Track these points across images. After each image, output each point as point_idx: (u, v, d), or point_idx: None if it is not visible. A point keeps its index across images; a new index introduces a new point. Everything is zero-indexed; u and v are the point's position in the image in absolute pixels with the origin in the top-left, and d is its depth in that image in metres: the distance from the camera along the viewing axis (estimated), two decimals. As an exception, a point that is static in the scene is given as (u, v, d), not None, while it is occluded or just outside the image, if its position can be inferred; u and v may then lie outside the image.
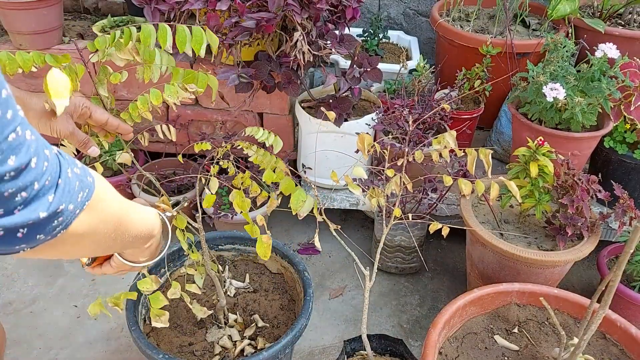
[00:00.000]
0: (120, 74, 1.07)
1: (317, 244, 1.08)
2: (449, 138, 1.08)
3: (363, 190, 1.16)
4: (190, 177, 1.99)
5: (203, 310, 1.26)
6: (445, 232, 1.14)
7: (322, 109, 1.27)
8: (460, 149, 1.09)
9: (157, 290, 1.42)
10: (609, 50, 1.60)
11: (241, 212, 1.00)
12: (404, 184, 1.12)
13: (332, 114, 1.18)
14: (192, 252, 1.21)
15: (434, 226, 1.13)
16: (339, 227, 1.17)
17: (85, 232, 0.63)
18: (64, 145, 1.07)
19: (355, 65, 1.70)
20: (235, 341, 1.39)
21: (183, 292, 1.19)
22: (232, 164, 1.11)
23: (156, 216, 0.87)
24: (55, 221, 0.56)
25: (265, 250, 0.97)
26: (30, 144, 0.51)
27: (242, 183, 1.10)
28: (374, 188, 1.16)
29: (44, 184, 0.53)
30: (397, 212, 1.14)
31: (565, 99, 1.56)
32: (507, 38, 1.96)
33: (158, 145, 2.13)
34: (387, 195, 1.15)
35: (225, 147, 1.07)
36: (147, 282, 1.07)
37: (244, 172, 1.99)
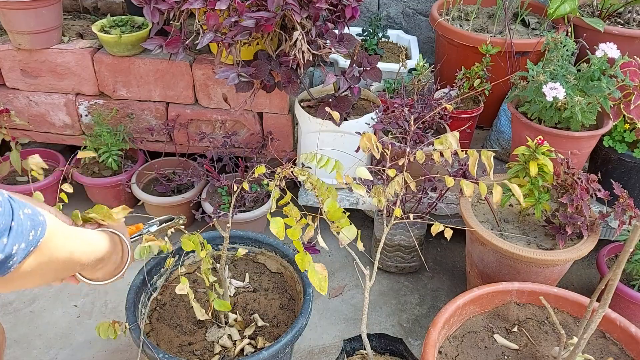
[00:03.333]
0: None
1: (322, 243, 1.08)
2: (452, 139, 1.07)
3: (368, 190, 1.16)
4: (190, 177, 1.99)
5: (202, 313, 1.27)
6: (448, 234, 1.13)
7: (327, 108, 1.27)
8: (461, 150, 1.09)
9: (157, 288, 1.43)
10: (609, 49, 1.60)
11: (333, 222, 0.99)
12: (406, 183, 1.12)
13: (336, 114, 1.18)
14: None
15: (436, 227, 1.13)
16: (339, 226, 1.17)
17: (35, 269, 0.68)
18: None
19: (354, 65, 1.70)
20: (235, 340, 1.39)
21: (190, 289, 1.19)
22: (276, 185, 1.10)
23: (106, 240, 0.90)
24: (10, 261, 0.61)
25: (321, 283, 0.96)
26: None
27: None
28: (379, 186, 1.15)
29: None
30: (397, 212, 1.14)
31: (565, 98, 1.56)
32: (506, 37, 1.96)
33: (157, 145, 2.13)
34: (389, 195, 1.15)
35: (284, 171, 1.07)
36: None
37: (244, 172, 2.00)
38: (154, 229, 1.09)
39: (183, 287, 1.18)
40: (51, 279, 0.76)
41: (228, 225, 1.21)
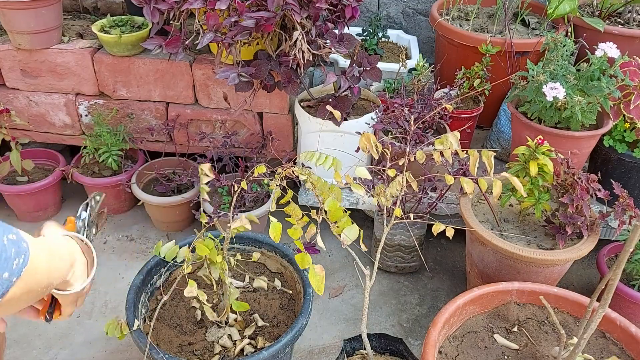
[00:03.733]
0: None
1: (321, 243, 1.08)
2: (452, 139, 1.07)
3: (368, 189, 1.16)
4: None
5: (213, 315, 1.27)
6: (450, 233, 1.13)
7: (328, 107, 1.27)
8: (462, 149, 1.09)
9: (159, 289, 1.43)
10: (608, 49, 1.59)
11: (335, 222, 0.99)
12: (407, 183, 1.12)
13: (337, 113, 1.18)
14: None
15: (437, 227, 1.13)
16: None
17: (22, 295, 0.65)
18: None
19: (354, 65, 1.70)
20: (235, 340, 1.39)
21: (199, 290, 1.19)
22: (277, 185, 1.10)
23: (70, 243, 0.87)
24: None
25: (319, 283, 0.96)
26: None
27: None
28: (380, 186, 1.15)
29: None
30: (397, 212, 1.14)
31: (565, 98, 1.56)
32: (506, 37, 1.96)
33: (157, 145, 2.13)
34: (390, 195, 1.15)
35: (285, 171, 1.07)
36: None
37: (244, 171, 2.00)
38: (84, 215, 1.03)
39: (192, 290, 1.18)
40: (36, 298, 0.73)
41: (229, 225, 1.21)
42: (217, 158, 1.97)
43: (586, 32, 1.90)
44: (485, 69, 1.95)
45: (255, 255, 1.42)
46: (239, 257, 1.38)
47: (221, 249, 1.27)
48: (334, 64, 2.20)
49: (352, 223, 1.01)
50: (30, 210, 2.11)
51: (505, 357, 1.27)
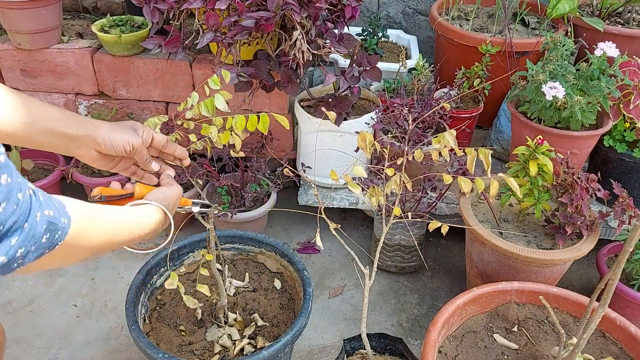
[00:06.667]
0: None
1: (319, 242, 1.08)
2: (449, 137, 1.07)
3: (363, 190, 1.16)
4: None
5: (194, 302, 1.27)
6: (444, 230, 1.14)
7: (322, 108, 1.27)
8: (460, 148, 1.09)
9: (159, 289, 1.43)
10: (608, 49, 1.59)
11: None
12: (403, 183, 1.12)
13: (332, 114, 1.18)
14: (208, 253, 1.24)
15: (434, 225, 1.13)
16: (339, 226, 1.17)
17: (58, 259, 0.68)
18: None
19: (354, 64, 1.70)
20: (235, 340, 1.40)
21: (179, 283, 1.21)
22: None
23: (153, 218, 0.91)
24: (15, 263, 0.60)
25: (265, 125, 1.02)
26: (1, 189, 0.54)
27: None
28: (373, 187, 1.16)
29: (11, 226, 0.57)
30: (396, 211, 1.14)
31: (565, 97, 1.56)
32: (506, 37, 1.96)
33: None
34: (386, 195, 1.15)
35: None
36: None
37: (243, 171, 2.00)
38: (196, 210, 1.13)
39: (172, 282, 1.19)
40: (90, 257, 0.77)
41: (211, 218, 1.22)
42: (217, 158, 1.97)
43: (586, 31, 1.90)
44: (485, 69, 1.95)
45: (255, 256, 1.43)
46: (225, 253, 1.38)
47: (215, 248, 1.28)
48: (333, 64, 2.20)
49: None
50: (30, 210, 2.11)
51: (505, 356, 1.27)
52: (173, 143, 1.10)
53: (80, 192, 2.15)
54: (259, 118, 1.08)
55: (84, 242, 0.71)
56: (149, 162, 1.05)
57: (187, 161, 1.12)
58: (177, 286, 1.20)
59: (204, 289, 1.26)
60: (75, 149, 0.95)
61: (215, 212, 1.19)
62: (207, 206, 1.16)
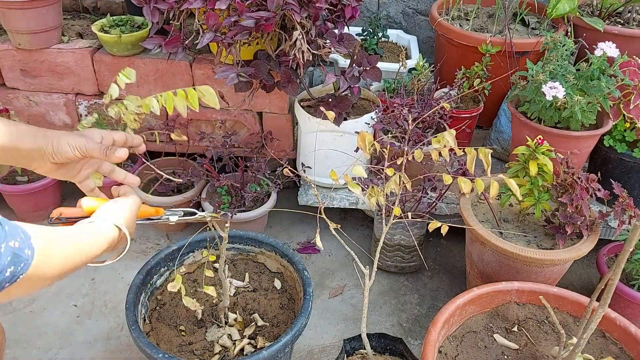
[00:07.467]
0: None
1: (319, 242, 1.08)
2: (449, 137, 1.07)
3: (363, 190, 1.16)
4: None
5: (193, 303, 1.27)
6: (444, 230, 1.14)
7: (322, 108, 1.27)
8: (460, 148, 1.09)
9: (159, 289, 1.43)
10: (608, 49, 1.59)
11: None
12: (403, 183, 1.12)
13: (331, 114, 1.18)
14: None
15: (433, 224, 1.13)
16: (339, 226, 1.17)
17: (20, 291, 0.66)
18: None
19: (354, 64, 1.70)
20: (235, 340, 1.40)
21: (183, 284, 1.20)
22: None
23: (108, 238, 0.91)
24: None
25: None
26: None
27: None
28: (373, 187, 1.16)
29: None
30: (396, 211, 1.14)
31: (565, 97, 1.56)
32: (506, 37, 1.96)
33: (157, 145, 2.12)
34: (386, 195, 1.15)
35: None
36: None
37: (243, 171, 2.00)
38: (174, 219, 1.09)
39: (175, 285, 1.19)
40: (49, 285, 0.75)
41: (227, 225, 1.21)
42: (217, 158, 1.97)
43: (586, 32, 1.90)
44: (485, 69, 1.95)
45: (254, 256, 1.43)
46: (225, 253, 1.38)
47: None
48: (333, 64, 2.20)
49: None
50: (29, 210, 2.11)
51: (505, 356, 1.27)
52: (131, 135, 1.10)
53: (79, 192, 2.15)
54: (186, 94, 1.07)
55: (45, 272, 0.69)
56: (113, 169, 1.06)
57: (142, 147, 1.11)
58: (180, 288, 1.20)
59: (210, 290, 1.26)
60: (30, 162, 0.95)
61: (209, 219, 1.16)
62: (192, 213, 1.12)
